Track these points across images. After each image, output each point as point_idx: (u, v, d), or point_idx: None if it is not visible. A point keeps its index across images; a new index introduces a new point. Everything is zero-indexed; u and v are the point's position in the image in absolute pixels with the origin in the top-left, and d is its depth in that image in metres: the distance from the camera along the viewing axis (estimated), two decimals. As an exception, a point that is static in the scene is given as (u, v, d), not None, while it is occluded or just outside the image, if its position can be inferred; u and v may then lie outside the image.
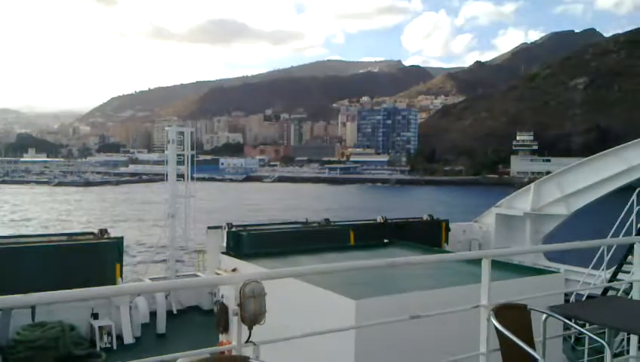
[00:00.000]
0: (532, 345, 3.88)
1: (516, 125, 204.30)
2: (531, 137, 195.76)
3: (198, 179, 16.85)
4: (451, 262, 8.10)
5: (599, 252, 16.05)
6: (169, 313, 14.22)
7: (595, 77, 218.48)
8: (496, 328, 3.79)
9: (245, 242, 15.04)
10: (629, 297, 7.72)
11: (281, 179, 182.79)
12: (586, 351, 11.10)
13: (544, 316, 4.05)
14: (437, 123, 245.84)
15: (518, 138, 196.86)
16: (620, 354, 7.56)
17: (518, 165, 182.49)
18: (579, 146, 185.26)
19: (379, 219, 17.76)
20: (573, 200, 18.14)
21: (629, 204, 16.61)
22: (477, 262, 9.80)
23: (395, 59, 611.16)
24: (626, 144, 18.05)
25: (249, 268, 8.30)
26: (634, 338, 5.19)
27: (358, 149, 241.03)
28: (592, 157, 18.61)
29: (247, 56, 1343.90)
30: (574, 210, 18.13)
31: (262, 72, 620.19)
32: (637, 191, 16.73)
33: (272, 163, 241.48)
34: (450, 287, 6.34)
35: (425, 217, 18.31)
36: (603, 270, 15.95)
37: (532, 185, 19.01)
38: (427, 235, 17.24)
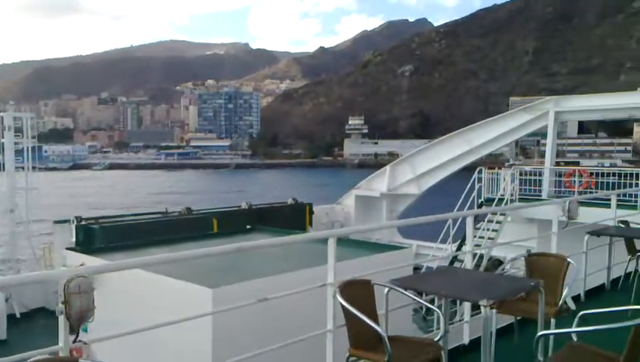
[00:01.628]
0: (375, 318, 4.06)
1: (351, 110, 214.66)
2: (362, 121, 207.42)
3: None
4: (305, 243, 8.13)
5: (446, 227, 17.51)
6: (11, 317, 12.90)
7: (420, 65, 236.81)
8: (341, 304, 3.90)
9: (97, 236, 14.08)
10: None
11: (113, 167, 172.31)
12: (435, 320, 12.01)
13: (386, 289, 4.22)
14: (279, 107, 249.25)
15: (350, 122, 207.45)
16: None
17: (351, 148, 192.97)
18: (405, 130, 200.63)
19: (243, 206, 17.51)
20: (423, 180, 19.54)
21: (471, 181, 18.30)
22: (339, 241, 10.04)
23: (243, 42, 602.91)
24: (468, 127, 19.79)
25: (98, 264, 7.71)
26: (467, 304, 5.62)
27: (199, 134, 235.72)
28: (439, 139, 20.17)
29: (81, 33, 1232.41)
30: (425, 188, 19.56)
31: (97, 51, 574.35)
32: (477, 169, 18.50)
33: (104, 149, 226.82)
34: (306, 269, 6.43)
35: (289, 201, 18.43)
36: (449, 243, 17.45)
37: (388, 166, 20.09)
38: (292, 219, 17.39)
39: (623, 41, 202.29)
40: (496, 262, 17.45)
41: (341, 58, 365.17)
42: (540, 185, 18.53)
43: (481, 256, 16.80)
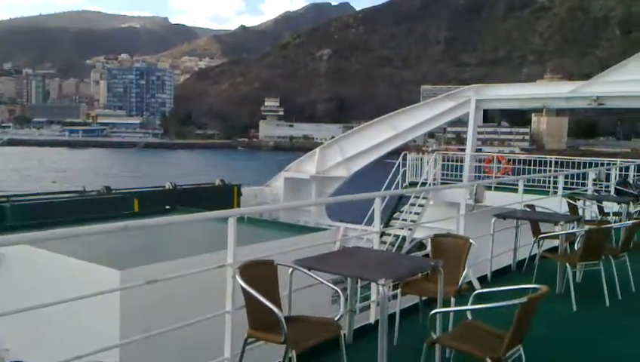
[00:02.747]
0: (277, 299, 4.06)
1: (268, 91, 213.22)
2: (278, 103, 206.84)
3: None
4: (216, 222, 7.99)
5: (371, 209, 17.77)
6: None
7: (338, 49, 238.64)
8: (240, 285, 3.90)
9: (8, 215, 13.34)
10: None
11: (13, 143, 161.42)
12: (358, 300, 12.20)
13: (290, 269, 4.22)
14: (194, 85, 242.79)
15: (266, 104, 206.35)
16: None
17: (266, 130, 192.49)
18: (322, 113, 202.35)
19: (167, 186, 16.95)
20: (352, 163, 19.78)
21: (396, 165, 18.70)
22: (259, 222, 9.93)
23: (162, 16, 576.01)
24: (395, 112, 20.17)
25: None
26: (374, 285, 5.57)
27: (107, 110, 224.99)
28: (367, 124, 20.49)
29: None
30: (353, 171, 19.80)
31: (2, 18, 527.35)
32: (402, 154, 18.91)
33: (4, 124, 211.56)
34: (223, 250, 6.42)
35: (217, 182, 18.02)
36: (380, 221, 17.70)
37: (317, 149, 20.14)
38: (218, 200, 17.04)
39: (528, 34, 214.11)
40: (418, 244, 17.98)
41: (263, 38, 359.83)
42: (462, 171, 19.22)
43: (404, 238, 17.23)
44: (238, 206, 17.79)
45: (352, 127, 22.00)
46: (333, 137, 22.71)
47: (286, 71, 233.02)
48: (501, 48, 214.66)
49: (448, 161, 19.38)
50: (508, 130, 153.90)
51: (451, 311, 4.57)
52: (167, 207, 11.42)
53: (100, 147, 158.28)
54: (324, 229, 12.03)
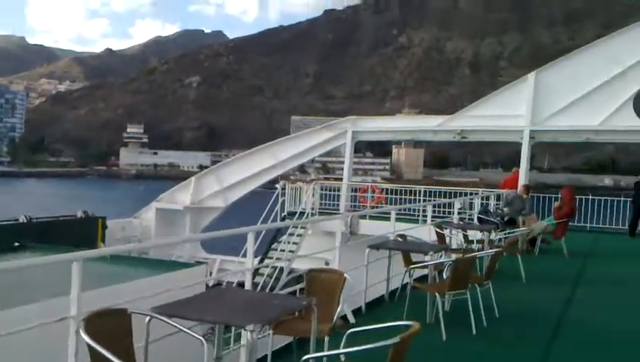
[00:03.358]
0: (130, 353, 3.60)
1: (132, 117, 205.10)
2: (141, 130, 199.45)
3: None
4: (92, 262, 7.36)
5: (248, 241, 17.18)
6: None
7: (208, 77, 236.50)
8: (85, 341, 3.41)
9: None
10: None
11: None
12: (232, 341, 11.63)
13: (147, 318, 3.73)
14: (50, 110, 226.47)
15: (128, 130, 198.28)
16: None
17: (128, 157, 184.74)
18: (191, 141, 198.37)
19: (21, 219, 15.09)
20: (230, 192, 19.07)
21: (275, 194, 18.37)
22: (123, 260, 9.00)
23: (19, 35, 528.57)
24: (274, 141, 19.89)
25: None
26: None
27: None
28: (247, 152, 19.96)
29: None
30: (231, 201, 19.08)
31: None
32: (280, 183, 18.64)
33: None
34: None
35: (79, 214, 16.38)
36: (251, 258, 17.13)
37: (193, 178, 19.17)
38: (79, 235, 15.56)
39: (390, 71, 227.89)
40: (296, 277, 17.67)
41: (130, 62, 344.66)
42: (338, 200, 19.34)
43: (282, 269, 16.86)
44: (103, 240, 16.32)
45: (222, 155, 21.26)
46: (201, 165, 21.85)
47: (152, 97, 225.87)
48: (366, 83, 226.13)
49: (326, 190, 19.42)
50: (371, 160, 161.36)
51: (323, 355, 4.19)
52: (17, 244, 10.07)
53: None
54: (197, 264, 11.25)
